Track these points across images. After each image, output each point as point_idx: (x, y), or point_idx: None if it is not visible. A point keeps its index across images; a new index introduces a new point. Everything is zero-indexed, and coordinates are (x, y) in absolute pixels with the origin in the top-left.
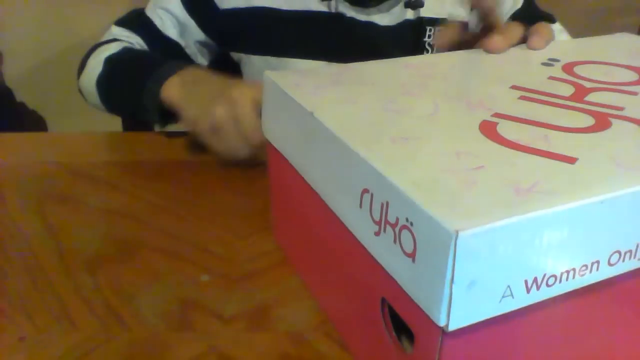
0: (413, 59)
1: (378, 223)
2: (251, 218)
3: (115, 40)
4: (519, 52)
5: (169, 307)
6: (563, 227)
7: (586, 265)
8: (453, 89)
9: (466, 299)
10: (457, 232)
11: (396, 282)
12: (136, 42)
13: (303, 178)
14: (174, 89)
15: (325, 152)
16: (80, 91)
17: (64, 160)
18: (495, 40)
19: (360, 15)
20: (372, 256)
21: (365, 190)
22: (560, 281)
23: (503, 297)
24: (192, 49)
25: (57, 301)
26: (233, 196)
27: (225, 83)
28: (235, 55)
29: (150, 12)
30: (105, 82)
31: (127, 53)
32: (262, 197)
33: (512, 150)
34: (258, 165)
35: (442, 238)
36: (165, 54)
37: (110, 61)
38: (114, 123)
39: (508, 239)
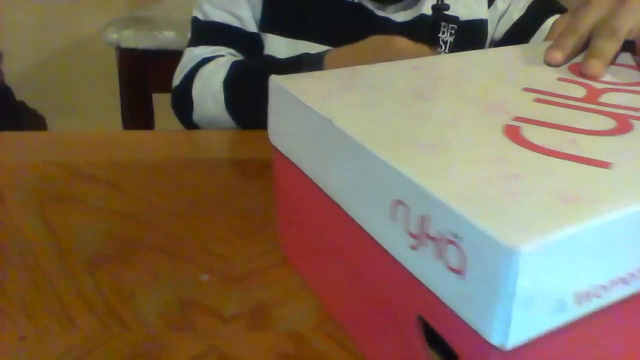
0: (419, 60)
1: (415, 237)
2: (251, 218)
3: (207, 60)
4: (523, 51)
5: (169, 307)
6: (612, 235)
7: (633, 274)
8: (466, 92)
9: (523, 316)
10: (518, 248)
11: (438, 298)
12: (226, 52)
13: (319, 187)
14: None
15: (347, 160)
16: (193, 125)
17: (64, 160)
18: (595, 64)
19: (378, 11)
20: (406, 271)
21: (399, 202)
22: (609, 291)
23: (556, 311)
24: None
25: (57, 301)
26: (233, 196)
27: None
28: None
29: (220, 17)
30: (241, 105)
31: (242, 65)
32: (262, 197)
33: (544, 156)
34: None
35: (499, 254)
36: (254, 51)
37: (230, 83)
38: (114, 123)
39: (563, 251)
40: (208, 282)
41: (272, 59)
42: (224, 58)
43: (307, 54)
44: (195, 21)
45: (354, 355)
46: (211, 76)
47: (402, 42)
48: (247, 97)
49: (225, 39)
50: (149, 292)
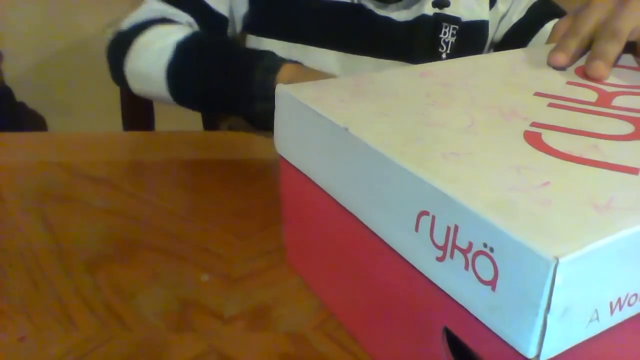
0: (426, 66)
1: (442, 248)
2: (251, 218)
3: (166, 21)
4: (527, 55)
5: (169, 307)
6: None
7: None
8: (479, 98)
9: (558, 328)
10: (556, 259)
11: (466, 310)
12: (185, 20)
13: (331, 198)
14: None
15: (365, 170)
16: (122, 75)
17: (64, 160)
18: (598, 66)
19: (379, 10)
20: (431, 282)
21: (424, 213)
22: None
23: (590, 321)
24: (232, 27)
25: (57, 301)
26: (233, 196)
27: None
28: (249, 40)
29: None
30: (182, 72)
31: (200, 39)
32: (262, 197)
33: (570, 163)
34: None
35: (536, 265)
36: (212, 30)
37: (182, 48)
38: (114, 123)
39: (600, 261)
40: (208, 283)
41: (234, 45)
42: (186, 26)
43: (269, 55)
44: None
45: (355, 355)
46: (167, 34)
47: None
48: (193, 66)
49: (191, 8)
50: (149, 292)
